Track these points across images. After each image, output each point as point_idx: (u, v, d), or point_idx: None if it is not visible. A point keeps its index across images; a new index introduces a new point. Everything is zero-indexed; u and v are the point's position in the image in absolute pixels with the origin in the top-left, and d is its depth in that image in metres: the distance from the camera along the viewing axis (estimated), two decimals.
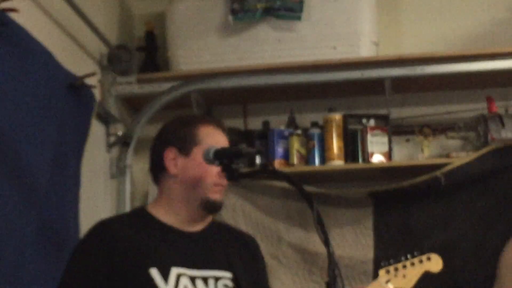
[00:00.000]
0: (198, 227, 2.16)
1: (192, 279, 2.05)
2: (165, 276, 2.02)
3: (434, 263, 2.29)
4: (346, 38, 3.43)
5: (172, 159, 2.14)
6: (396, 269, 2.26)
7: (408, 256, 2.29)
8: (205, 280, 2.07)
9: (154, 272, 2.02)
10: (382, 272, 2.25)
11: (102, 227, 2.13)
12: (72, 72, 2.82)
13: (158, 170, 2.18)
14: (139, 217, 2.16)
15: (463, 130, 3.45)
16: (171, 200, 2.15)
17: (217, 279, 2.08)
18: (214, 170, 2.09)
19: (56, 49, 2.69)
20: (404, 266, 2.27)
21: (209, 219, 2.20)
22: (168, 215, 2.14)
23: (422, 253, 2.30)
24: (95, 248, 2.06)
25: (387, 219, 3.37)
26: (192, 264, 2.07)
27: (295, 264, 3.39)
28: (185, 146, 2.13)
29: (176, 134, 2.17)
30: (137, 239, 2.07)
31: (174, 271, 2.04)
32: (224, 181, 2.12)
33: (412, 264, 2.27)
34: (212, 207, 2.14)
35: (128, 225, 2.12)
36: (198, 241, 2.13)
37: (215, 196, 2.12)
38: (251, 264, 2.21)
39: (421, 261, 2.28)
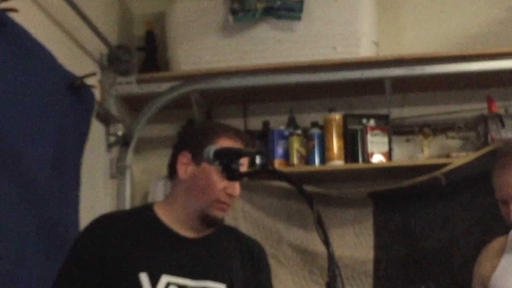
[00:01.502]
0: (200, 233, 2.13)
1: None
2: (154, 283, 2.00)
3: None
4: (346, 38, 3.43)
5: (184, 164, 2.11)
6: None
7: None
8: None
9: (143, 277, 1.99)
10: None
11: (100, 223, 2.11)
12: (72, 72, 2.82)
13: (172, 171, 2.17)
14: (143, 216, 2.14)
15: (463, 130, 3.46)
16: (174, 203, 2.13)
17: None
18: (221, 186, 2.06)
19: (56, 49, 2.69)
20: None
21: (208, 229, 2.16)
22: (170, 217, 2.12)
23: (427, 286, 2.27)
24: (90, 244, 2.05)
25: (387, 219, 3.37)
26: (185, 273, 2.04)
27: (295, 264, 3.39)
28: (199, 154, 2.08)
29: (194, 140, 2.13)
30: (133, 240, 2.05)
31: (164, 279, 2.01)
32: (229, 200, 2.09)
33: None
34: (210, 222, 2.11)
35: (128, 223, 2.10)
36: (196, 248, 2.10)
37: (215, 212, 2.09)
38: (253, 273, 2.18)
39: None
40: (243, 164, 2.08)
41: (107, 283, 2.00)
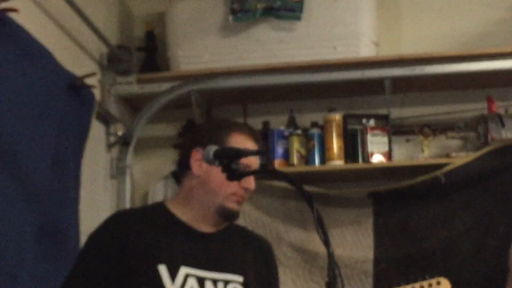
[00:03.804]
0: (213, 228, 2.16)
1: (201, 281, 2.05)
2: (173, 274, 2.02)
3: None
4: (346, 38, 3.43)
5: (198, 160, 2.13)
6: None
7: (420, 278, 2.25)
8: (214, 282, 2.07)
9: (162, 269, 2.02)
10: None
11: (117, 218, 2.15)
12: (72, 72, 2.82)
13: (183, 167, 2.18)
14: (156, 212, 2.16)
15: (463, 130, 3.45)
16: (189, 199, 2.15)
17: (227, 282, 2.08)
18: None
19: (56, 49, 2.69)
20: None
21: (226, 223, 2.19)
22: (185, 212, 2.14)
23: (432, 276, 2.26)
24: (106, 240, 2.07)
25: (387, 219, 3.38)
26: (203, 265, 2.07)
27: (295, 264, 3.39)
28: None
29: (208, 136, 2.14)
30: (151, 233, 2.07)
31: (183, 270, 2.04)
32: (243, 193, 2.12)
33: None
34: (227, 215, 2.14)
35: (143, 219, 2.12)
36: (212, 242, 2.13)
37: (232, 205, 2.12)
38: (264, 269, 2.21)
39: (430, 285, 2.25)
40: (252, 163, 2.09)
41: (126, 276, 2.02)
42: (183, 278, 2.03)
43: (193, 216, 2.14)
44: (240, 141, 2.12)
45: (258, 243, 2.26)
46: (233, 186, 2.09)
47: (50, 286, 2.46)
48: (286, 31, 3.47)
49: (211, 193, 2.12)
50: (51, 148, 2.60)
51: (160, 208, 2.18)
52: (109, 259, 2.04)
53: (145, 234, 2.07)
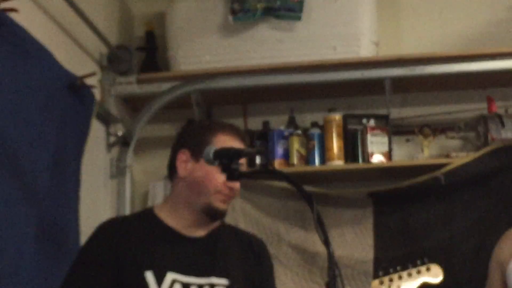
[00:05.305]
0: (201, 232, 2.16)
1: (186, 287, 2.06)
2: (160, 280, 2.03)
3: (433, 274, 2.24)
4: (346, 38, 3.43)
5: (184, 162, 2.15)
6: (391, 280, 2.21)
7: (410, 265, 2.24)
8: (200, 287, 2.07)
9: (149, 275, 2.03)
10: (375, 283, 2.21)
11: (107, 226, 2.16)
12: (72, 72, 2.82)
13: (172, 170, 2.20)
14: (145, 218, 2.17)
15: (463, 130, 3.45)
16: (177, 203, 2.16)
17: (212, 286, 2.09)
18: (221, 179, 2.08)
19: (56, 49, 2.69)
20: (400, 277, 2.22)
21: (214, 224, 2.20)
22: (173, 217, 2.15)
23: (423, 262, 2.25)
24: (100, 248, 2.09)
25: (387, 219, 3.38)
26: (189, 270, 2.08)
27: (295, 264, 3.39)
28: (198, 151, 2.12)
29: (193, 138, 2.17)
30: (138, 241, 2.09)
31: (170, 276, 2.05)
32: (229, 192, 2.12)
33: (409, 275, 2.22)
34: (213, 214, 2.14)
35: (131, 226, 2.13)
36: (199, 247, 2.14)
37: (218, 203, 2.12)
38: (255, 269, 2.21)
39: (419, 272, 2.23)
40: (242, 163, 2.10)
41: (116, 285, 2.03)
42: (170, 284, 2.04)
43: (181, 220, 2.14)
44: (225, 141, 2.12)
45: (249, 242, 2.26)
46: (217, 184, 2.10)
47: (50, 286, 2.46)
48: (286, 31, 3.47)
49: (196, 193, 2.12)
50: (51, 148, 2.60)
51: (148, 215, 2.19)
52: (100, 269, 2.05)
53: (133, 241, 2.08)
